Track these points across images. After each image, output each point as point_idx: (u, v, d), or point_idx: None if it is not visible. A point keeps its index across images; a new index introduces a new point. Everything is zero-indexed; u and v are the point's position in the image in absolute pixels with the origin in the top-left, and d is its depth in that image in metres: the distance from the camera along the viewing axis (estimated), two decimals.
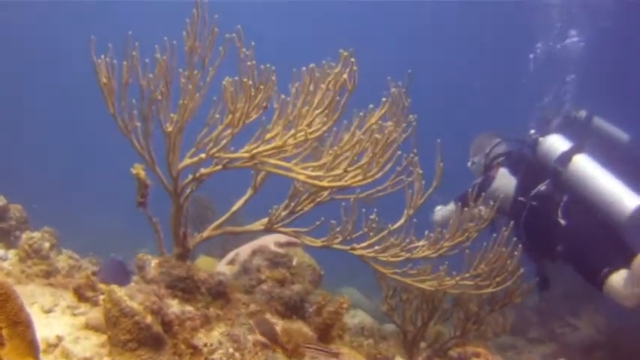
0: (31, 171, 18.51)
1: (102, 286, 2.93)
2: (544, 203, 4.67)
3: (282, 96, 2.68)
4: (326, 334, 3.03)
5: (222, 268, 3.56)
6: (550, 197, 4.68)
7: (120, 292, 2.48)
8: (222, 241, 5.49)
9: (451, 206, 5.28)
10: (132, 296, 2.50)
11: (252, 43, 2.62)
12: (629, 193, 4.61)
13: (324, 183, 2.67)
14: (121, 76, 2.65)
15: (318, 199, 3.07)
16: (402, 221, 2.94)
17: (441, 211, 5.46)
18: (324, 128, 2.58)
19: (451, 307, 3.91)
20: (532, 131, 5.78)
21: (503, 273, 3.06)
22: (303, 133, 2.57)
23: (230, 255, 3.70)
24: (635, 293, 4.02)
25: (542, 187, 4.86)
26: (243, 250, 3.60)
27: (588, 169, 4.88)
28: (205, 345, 2.42)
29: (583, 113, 8.23)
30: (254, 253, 3.51)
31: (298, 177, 2.69)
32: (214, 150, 2.69)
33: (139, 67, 2.62)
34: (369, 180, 2.64)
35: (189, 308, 2.60)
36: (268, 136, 2.65)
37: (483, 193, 3.88)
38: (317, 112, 2.58)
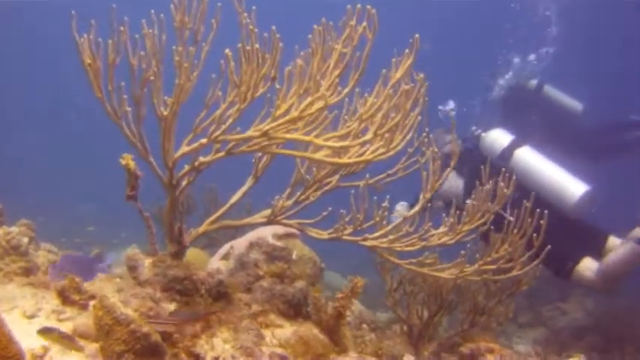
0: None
1: (88, 287, 2.68)
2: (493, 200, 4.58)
3: (299, 61, 2.36)
4: (334, 330, 2.81)
5: (216, 263, 3.33)
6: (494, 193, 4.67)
7: (113, 297, 2.25)
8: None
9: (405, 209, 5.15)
10: (126, 302, 2.27)
11: (254, 8, 2.35)
12: (573, 181, 4.77)
13: (345, 160, 2.38)
14: (107, 55, 2.37)
15: (326, 188, 2.84)
16: (417, 207, 2.72)
17: (401, 212, 5.27)
18: (346, 90, 2.28)
19: (456, 298, 3.74)
20: (474, 127, 5.74)
21: (526, 253, 2.85)
22: (321, 100, 2.27)
23: (224, 248, 3.46)
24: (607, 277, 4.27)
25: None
26: (239, 243, 3.36)
27: (531, 162, 4.96)
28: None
29: (534, 83, 8.17)
30: (250, 246, 3.27)
31: (314, 156, 2.41)
32: (218, 132, 2.38)
33: (128, 44, 2.34)
34: (392, 153, 2.35)
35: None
36: (279, 111, 2.34)
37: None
38: (335, 72, 2.27)
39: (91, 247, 6.26)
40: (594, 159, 8.37)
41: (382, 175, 2.84)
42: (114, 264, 6.75)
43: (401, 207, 5.25)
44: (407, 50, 2.28)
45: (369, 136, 2.25)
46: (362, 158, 2.34)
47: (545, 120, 7.99)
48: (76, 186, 17.75)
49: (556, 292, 7.49)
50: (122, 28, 2.32)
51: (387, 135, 2.26)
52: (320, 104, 2.27)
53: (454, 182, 5.23)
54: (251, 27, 2.26)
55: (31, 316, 2.52)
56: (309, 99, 2.26)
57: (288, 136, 2.36)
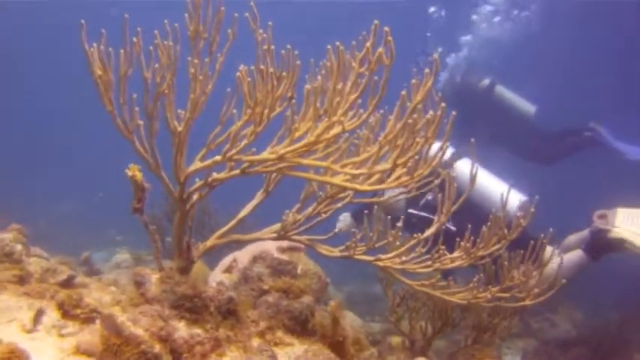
0: None
1: (90, 301, 2.59)
2: (432, 212, 4.57)
3: (316, 82, 2.27)
4: (342, 349, 2.75)
5: (219, 276, 3.25)
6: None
7: (121, 316, 2.17)
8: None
9: (349, 220, 5.18)
10: (135, 320, 2.18)
11: (270, 23, 2.27)
12: (511, 192, 4.68)
13: (365, 187, 2.30)
14: (119, 66, 2.26)
15: (338, 204, 2.77)
16: (432, 229, 2.66)
17: (344, 222, 5.22)
18: (364, 117, 2.19)
19: (460, 314, 3.70)
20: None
21: (542, 284, 2.82)
22: (339, 125, 2.18)
23: (227, 260, 3.37)
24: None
25: (429, 196, 4.88)
26: (242, 256, 3.28)
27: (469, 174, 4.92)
28: None
29: (486, 82, 8.15)
30: (254, 259, 3.20)
31: (333, 181, 2.32)
32: (233, 152, 2.30)
33: (142, 57, 2.24)
34: (416, 179, 2.29)
35: (197, 331, 2.28)
36: (296, 134, 2.26)
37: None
38: (352, 96, 2.18)
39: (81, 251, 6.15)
40: (547, 162, 8.43)
41: (396, 194, 2.78)
42: (105, 266, 6.70)
43: (343, 217, 5.21)
44: (427, 70, 2.19)
45: (387, 165, 2.19)
46: (384, 185, 2.28)
47: (496, 120, 7.96)
48: (48, 184, 17.54)
49: (545, 303, 7.49)
50: (135, 39, 2.22)
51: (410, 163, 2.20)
52: (337, 130, 2.20)
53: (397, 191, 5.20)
54: (266, 47, 2.18)
55: (31, 330, 2.42)
56: (326, 123, 2.19)
57: (304, 161, 2.29)
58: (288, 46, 2.21)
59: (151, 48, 2.25)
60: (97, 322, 2.39)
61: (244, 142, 2.32)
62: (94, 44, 2.23)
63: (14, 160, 19.92)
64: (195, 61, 2.30)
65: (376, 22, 2.04)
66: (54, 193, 16.04)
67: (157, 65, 2.26)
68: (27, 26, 21.96)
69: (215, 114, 2.51)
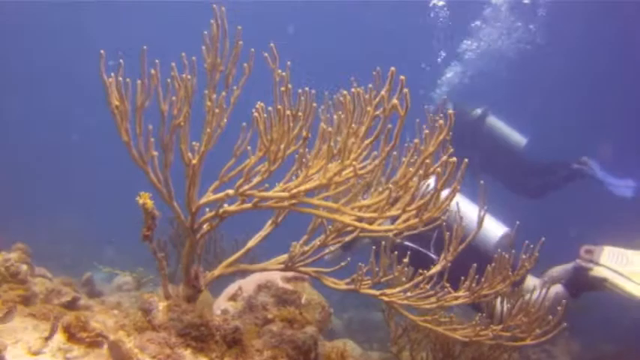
0: None
1: (96, 325, 2.61)
2: (415, 241, 4.56)
3: (331, 118, 2.33)
4: None
5: (224, 304, 3.26)
6: (421, 235, 4.73)
7: (129, 342, 2.19)
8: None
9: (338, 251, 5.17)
10: (142, 347, 2.21)
11: (289, 63, 2.32)
12: (494, 223, 4.83)
13: (375, 227, 2.34)
14: (135, 97, 2.30)
15: (347, 238, 2.80)
16: (438, 267, 2.69)
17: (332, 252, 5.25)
18: (376, 162, 2.23)
19: (461, 347, 3.70)
20: None
21: (545, 326, 2.84)
22: (351, 168, 2.23)
23: (231, 288, 3.39)
24: None
25: None
26: (247, 284, 3.30)
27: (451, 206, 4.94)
28: None
29: (478, 111, 8.18)
30: (259, 288, 3.22)
31: (342, 219, 2.35)
32: (246, 187, 2.34)
33: (159, 89, 2.28)
34: (424, 222, 2.34)
35: (203, 359, 2.31)
36: (310, 172, 2.30)
37: None
38: (366, 142, 2.25)
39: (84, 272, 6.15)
40: (535, 196, 8.46)
41: (402, 227, 2.81)
42: (106, 287, 6.69)
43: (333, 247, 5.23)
44: (441, 122, 2.23)
45: (397, 211, 2.23)
46: (393, 227, 2.33)
47: (485, 150, 7.99)
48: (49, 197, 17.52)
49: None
50: (153, 71, 2.27)
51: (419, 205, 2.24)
52: (349, 173, 2.24)
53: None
54: (284, 88, 2.23)
55: (37, 353, 2.43)
56: (339, 166, 2.23)
57: (315, 201, 2.34)
58: (307, 88, 2.25)
59: (169, 80, 2.29)
60: (104, 347, 2.41)
61: (257, 178, 2.36)
62: (112, 74, 2.26)
63: (14, 171, 19.90)
64: (212, 95, 2.34)
65: (393, 69, 2.08)
66: (55, 207, 16.02)
67: (174, 98, 2.30)
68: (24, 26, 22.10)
69: (228, 146, 2.55)
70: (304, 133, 2.28)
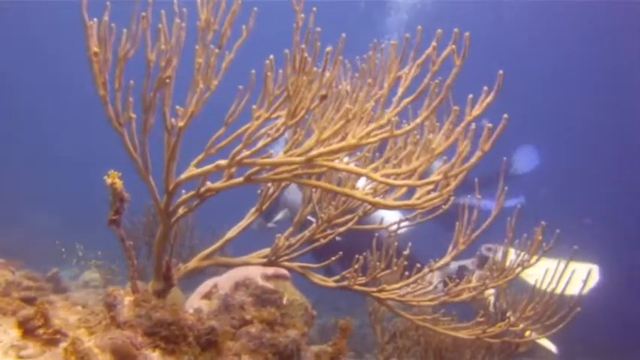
0: None
1: (55, 321, 2.32)
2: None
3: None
4: None
5: (197, 303, 2.97)
6: None
7: (88, 341, 1.91)
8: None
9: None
10: (103, 347, 1.92)
11: (315, 9, 2.02)
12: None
13: (389, 202, 2.02)
14: (117, 47, 1.95)
15: (340, 229, 2.53)
16: (447, 258, 2.42)
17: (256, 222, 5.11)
18: (418, 120, 1.90)
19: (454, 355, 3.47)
20: None
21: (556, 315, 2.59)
22: (385, 128, 1.89)
23: (205, 286, 3.09)
24: None
25: None
26: (223, 282, 3.00)
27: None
28: None
29: None
30: (236, 286, 2.93)
31: (354, 194, 2.03)
32: (245, 153, 1.99)
33: (148, 33, 1.93)
34: (444, 197, 2.04)
35: None
36: (324, 135, 1.94)
37: None
38: (407, 99, 1.93)
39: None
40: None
41: (399, 220, 2.55)
42: (72, 284, 6.40)
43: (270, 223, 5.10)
44: (485, 87, 1.96)
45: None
46: (410, 202, 2.00)
47: None
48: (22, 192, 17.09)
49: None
50: (143, 14, 1.93)
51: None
52: (383, 133, 1.91)
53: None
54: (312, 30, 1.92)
55: None
56: (375, 125, 1.90)
57: (340, 166, 1.98)
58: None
59: (159, 26, 1.95)
60: (61, 345, 2.13)
61: (261, 142, 2.04)
62: (95, 19, 1.91)
63: None
64: (209, 50, 2.03)
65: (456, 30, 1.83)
66: (28, 202, 15.59)
67: (163, 46, 1.97)
68: None
69: (209, 120, 2.25)
70: (323, 92, 1.91)
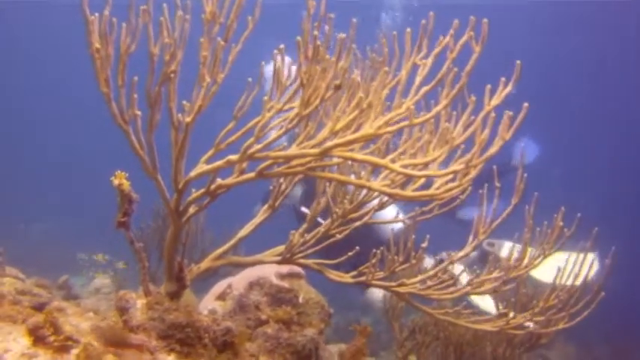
0: None
1: (67, 328, 2.26)
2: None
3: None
4: None
5: (211, 304, 2.91)
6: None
7: (100, 347, 1.85)
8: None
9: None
10: (119, 354, 1.86)
11: None
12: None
13: (408, 193, 1.94)
14: (120, 42, 1.88)
15: (356, 223, 2.46)
16: (468, 249, 2.34)
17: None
18: (438, 108, 1.84)
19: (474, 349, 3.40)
20: None
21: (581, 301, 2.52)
22: (404, 116, 1.82)
23: (219, 286, 3.04)
24: None
25: None
26: (237, 282, 2.95)
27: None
28: None
29: None
30: (251, 286, 2.87)
31: (372, 185, 1.95)
32: (258, 147, 1.92)
33: (150, 27, 1.87)
34: (465, 186, 1.95)
35: None
36: (339, 125, 1.85)
37: None
38: (425, 88, 1.86)
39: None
40: None
41: (415, 213, 2.48)
42: (83, 291, 6.37)
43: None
44: (503, 79, 1.89)
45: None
46: (429, 192, 1.91)
47: None
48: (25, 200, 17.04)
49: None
50: (144, 7, 1.86)
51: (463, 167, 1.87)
52: (403, 122, 1.83)
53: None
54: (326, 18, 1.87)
55: None
56: (393, 113, 1.83)
57: (359, 156, 1.90)
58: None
59: (161, 19, 1.87)
60: (72, 352, 2.07)
61: (274, 133, 1.97)
62: (97, 14, 1.85)
63: None
64: (216, 43, 1.95)
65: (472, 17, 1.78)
66: (31, 210, 15.56)
67: (166, 40, 1.90)
68: None
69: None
70: (337, 82, 1.82)
